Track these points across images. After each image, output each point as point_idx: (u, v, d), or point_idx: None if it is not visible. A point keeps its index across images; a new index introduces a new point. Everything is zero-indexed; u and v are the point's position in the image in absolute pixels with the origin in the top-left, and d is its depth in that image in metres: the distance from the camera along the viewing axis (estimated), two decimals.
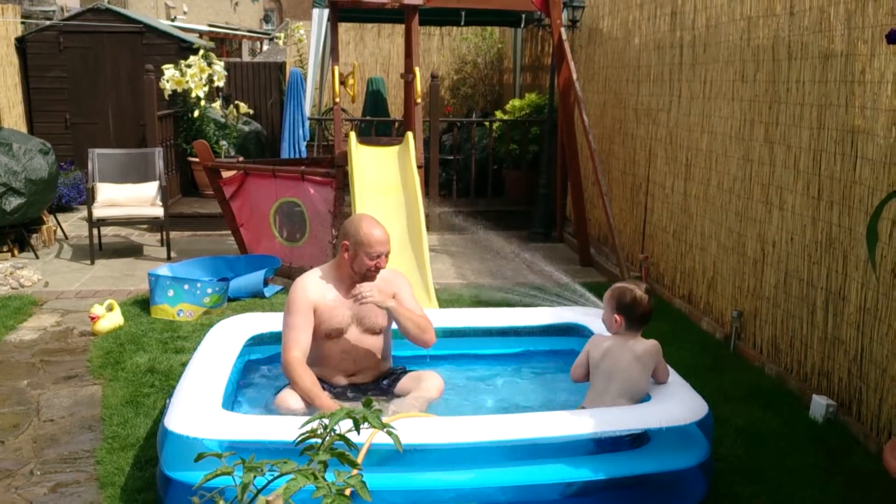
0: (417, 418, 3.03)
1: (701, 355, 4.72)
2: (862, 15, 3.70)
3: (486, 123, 9.38)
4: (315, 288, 3.50)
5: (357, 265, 3.46)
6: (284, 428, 2.76)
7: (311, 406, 3.29)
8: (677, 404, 3.13)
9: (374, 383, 3.66)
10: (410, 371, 3.71)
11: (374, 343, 3.60)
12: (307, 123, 9.35)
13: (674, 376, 3.37)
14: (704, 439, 3.11)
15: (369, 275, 3.47)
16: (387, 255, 3.47)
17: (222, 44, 25.92)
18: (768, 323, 4.58)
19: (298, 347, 3.41)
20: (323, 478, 1.65)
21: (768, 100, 4.53)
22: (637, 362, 3.21)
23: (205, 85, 8.82)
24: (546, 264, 6.51)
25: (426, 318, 3.61)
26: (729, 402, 4.06)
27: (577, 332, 4.09)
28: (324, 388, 3.43)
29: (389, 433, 1.80)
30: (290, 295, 3.49)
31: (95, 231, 7.03)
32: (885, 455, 2.64)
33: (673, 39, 5.80)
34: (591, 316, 4.11)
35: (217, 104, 9.60)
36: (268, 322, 4.04)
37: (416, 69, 6.20)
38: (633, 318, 3.25)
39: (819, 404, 3.91)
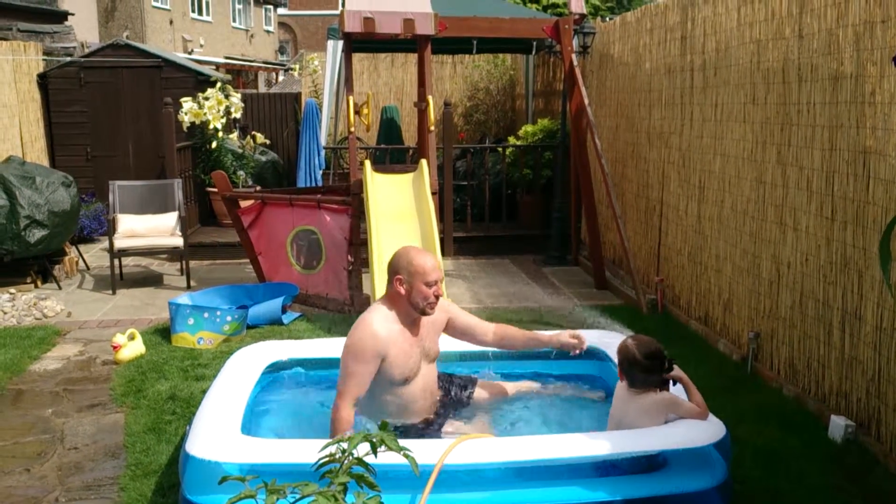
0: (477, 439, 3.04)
1: (718, 377, 4.71)
2: (870, 37, 3.74)
3: (500, 149, 9.46)
4: (386, 334, 3.31)
5: (415, 298, 3.35)
6: (303, 451, 2.79)
7: None
8: (695, 426, 3.13)
9: (445, 405, 3.66)
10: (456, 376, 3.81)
11: (435, 370, 3.61)
12: (323, 152, 9.46)
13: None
14: (723, 461, 3.11)
15: (429, 307, 3.37)
16: (441, 283, 3.42)
17: (238, 75, 26.37)
18: (785, 344, 4.57)
19: (353, 401, 3.25)
20: (343, 500, 1.69)
21: (780, 122, 4.56)
22: (645, 415, 3.15)
23: (222, 116, 8.96)
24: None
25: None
26: (747, 423, 4.05)
27: (596, 355, 4.10)
28: (414, 436, 3.35)
29: (406, 456, 1.84)
30: (358, 339, 3.29)
31: (116, 261, 7.13)
32: None
33: (683, 63, 5.86)
34: (610, 339, 4.12)
35: (234, 135, 9.75)
36: (286, 349, 4.09)
37: (430, 97, 6.29)
38: (634, 379, 3.18)
39: (838, 424, 3.90)
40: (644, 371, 3.14)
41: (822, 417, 4.12)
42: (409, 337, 3.40)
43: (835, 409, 4.07)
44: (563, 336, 3.68)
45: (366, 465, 1.75)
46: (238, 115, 9.39)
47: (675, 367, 3.18)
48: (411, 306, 3.38)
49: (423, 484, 2.72)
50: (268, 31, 37.63)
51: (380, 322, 3.34)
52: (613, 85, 7.50)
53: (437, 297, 3.38)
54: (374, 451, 1.76)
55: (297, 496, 1.68)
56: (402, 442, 2.75)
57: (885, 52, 3.63)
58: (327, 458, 1.76)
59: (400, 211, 5.87)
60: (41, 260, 7.14)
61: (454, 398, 3.71)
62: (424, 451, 2.84)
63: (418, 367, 3.43)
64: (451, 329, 3.70)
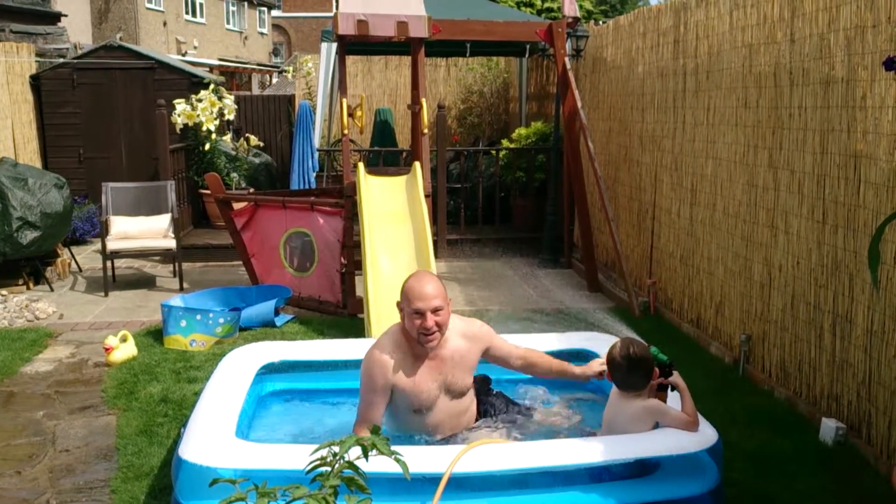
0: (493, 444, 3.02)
1: (710, 380, 4.73)
2: (861, 41, 3.77)
3: (493, 152, 9.47)
4: (394, 364, 3.16)
5: (407, 325, 3.14)
6: (298, 456, 2.78)
7: None
8: (687, 432, 3.13)
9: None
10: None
11: (464, 402, 3.35)
12: (316, 155, 9.46)
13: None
14: (714, 466, 3.11)
15: (423, 339, 3.13)
16: (435, 313, 3.11)
17: (232, 77, 26.32)
18: (776, 346, 4.59)
19: (370, 428, 3.20)
20: (334, 502, 1.69)
21: (771, 125, 4.58)
22: (632, 421, 3.13)
23: (215, 118, 8.95)
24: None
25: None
26: (738, 426, 4.07)
27: (585, 357, 4.10)
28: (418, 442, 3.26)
29: (397, 460, 1.84)
30: (366, 370, 3.19)
31: (109, 263, 7.11)
32: (894, 478, 2.65)
33: (676, 67, 5.88)
34: (597, 341, 4.13)
35: (228, 137, 9.73)
36: (279, 351, 4.08)
37: (423, 100, 6.30)
38: (615, 379, 3.16)
39: (829, 427, 3.91)
40: (624, 373, 3.11)
41: (813, 420, 4.13)
42: (421, 368, 3.20)
43: (826, 412, 4.09)
44: (593, 367, 3.44)
45: (356, 469, 1.75)
46: (231, 117, 9.38)
47: (676, 373, 3.15)
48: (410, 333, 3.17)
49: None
50: (262, 34, 37.58)
51: (389, 349, 3.19)
52: (606, 88, 7.53)
53: (426, 332, 3.11)
54: (366, 455, 1.76)
55: (288, 499, 1.68)
56: (409, 447, 2.78)
57: (875, 57, 3.65)
58: (318, 462, 1.76)
59: (393, 213, 5.87)
60: (33, 261, 7.12)
61: (507, 423, 3.51)
62: (433, 458, 2.85)
63: (434, 401, 3.23)
64: (488, 357, 3.45)
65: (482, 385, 3.61)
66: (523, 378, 3.79)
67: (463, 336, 3.31)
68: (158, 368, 5.00)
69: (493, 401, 3.57)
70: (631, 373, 3.11)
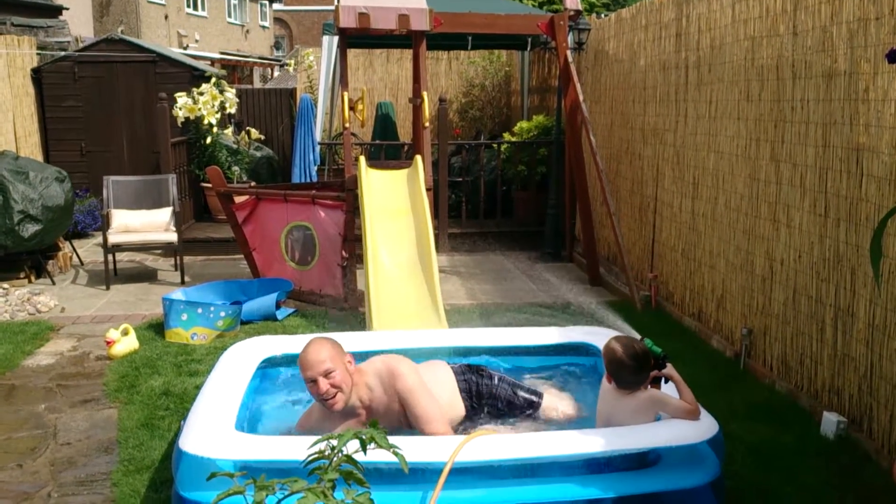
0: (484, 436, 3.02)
1: (711, 373, 4.73)
2: (864, 34, 3.75)
3: (495, 145, 9.45)
4: (310, 418, 3.34)
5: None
6: (296, 448, 2.79)
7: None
8: (687, 423, 3.14)
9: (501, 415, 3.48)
10: None
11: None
12: (318, 148, 9.45)
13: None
14: (715, 458, 3.11)
15: (325, 405, 3.17)
16: (328, 376, 3.12)
17: (234, 71, 26.28)
18: (778, 340, 4.59)
19: None
20: (332, 496, 1.69)
21: (773, 118, 4.57)
22: (635, 414, 3.13)
23: (217, 112, 8.93)
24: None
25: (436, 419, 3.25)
26: (740, 419, 4.07)
27: (586, 351, 4.11)
28: None
29: (395, 453, 1.84)
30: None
31: (110, 257, 7.11)
32: (895, 471, 2.65)
33: (678, 60, 5.86)
34: (597, 335, 4.13)
35: (229, 130, 9.71)
36: (280, 344, 4.08)
37: (425, 93, 6.28)
38: (620, 379, 3.14)
39: (830, 421, 3.91)
40: (632, 373, 3.10)
41: (814, 414, 4.13)
42: (351, 424, 3.23)
43: (827, 406, 4.08)
44: None
45: (354, 462, 1.75)
46: (233, 111, 9.37)
47: (669, 364, 3.16)
48: None
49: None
50: (263, 27, 37.51)
51: (314, 412, 3.33)
52: (608, 81, 7.50)
53: (324, 396, 3.13)
54: (364, 449, 1.76)
55: (286, 492, 1.68)
56: (408, 439, 2.77)
57: (878, 49, 3.63)
58: (316, 455, 1.76)
59: (395, 207, 5.87)
60: (35, 255, 7.13)
61: (515, 412, 3.50)
62: (433, 449, 2.85)
63: None
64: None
65: (478, 376, 3.59)
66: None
67: (383, 384, 3.26)
68: (160, 362, 5.01)
69: (497, 391, 3.53)
70: (639, 371, 3.10)
